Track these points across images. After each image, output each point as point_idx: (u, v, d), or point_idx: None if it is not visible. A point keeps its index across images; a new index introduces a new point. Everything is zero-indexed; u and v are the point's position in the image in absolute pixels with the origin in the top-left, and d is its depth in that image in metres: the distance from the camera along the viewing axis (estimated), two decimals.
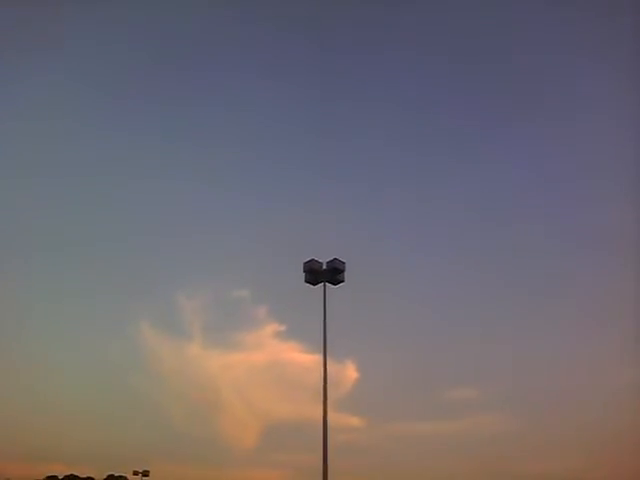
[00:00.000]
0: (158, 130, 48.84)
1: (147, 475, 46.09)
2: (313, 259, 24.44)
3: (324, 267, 24.29)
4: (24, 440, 32.65)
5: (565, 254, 42.24)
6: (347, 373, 36.75)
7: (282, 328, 39.69)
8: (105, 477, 53.88)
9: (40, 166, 45.46)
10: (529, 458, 32.74)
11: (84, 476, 53.76)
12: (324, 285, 24.13)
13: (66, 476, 53.07)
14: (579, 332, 38.13)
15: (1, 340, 36.95)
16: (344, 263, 24.35)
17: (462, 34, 48.48)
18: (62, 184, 46.52)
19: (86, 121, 47.10)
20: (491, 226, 44.59)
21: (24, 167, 44.74)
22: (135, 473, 46.38)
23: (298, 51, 51.09)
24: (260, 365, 39.43)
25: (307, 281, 24.36)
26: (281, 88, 49.84)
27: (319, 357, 23.27)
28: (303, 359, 37.19)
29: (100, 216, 45.19)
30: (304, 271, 24.42)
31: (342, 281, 24.34)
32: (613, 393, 33.03)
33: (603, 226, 40.41)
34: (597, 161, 44.28)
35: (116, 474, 52.95)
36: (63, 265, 41.93)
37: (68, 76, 46.48)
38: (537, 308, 39.38)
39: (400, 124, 49.78)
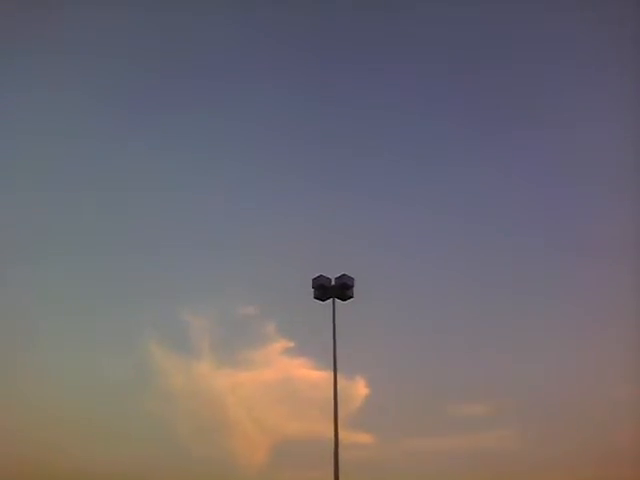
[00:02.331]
0: (163, 139, 48.79)
1: None
2: (322, 275, 24.38)
3: (333, 283, 24.23)
4: (25, 459, 32.38)
5: (571, 265, 41.93)
6: (357, 389, 36.45)
7: (291, 345, 39.46)
8: None
9: (40, 173, 45.42)
10: (541, 473, 32.36)
11: None
12: (333, 301, 24.02)
13: None
14: (588, 346, 37.74)
15: (2, 355, 36.72)
16: (353, 279, 24.27)
17: (462, 40, 48.51)
18: (64, 193, 46.36)
19: (87, 127, 47.08)
20: (502, 239, 44.37)
21: (23, 174, 44.70)
22: None
23: (301, 59, 51.12)
24: (269, 382, 39.11)
25: (316, 297, 24.25)
26: (288, 95, 49.85)
27: (329, 374, 23.09)
28: (313, 376, 36.90)
29: (105, 231, 45.06)
30: (313, 287, 24.34)
31: (351, 297, 24.23)
32: (625, 407, 32.62)
33: (607, 235, 40.11)
34: (597, 166, 44.12)
35: None
36: (65, 279, 41.73)
37: (68, 79, 46.57)
38: (546, 323, 39.07)
39: (405, 135, 49.66)
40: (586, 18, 43.42)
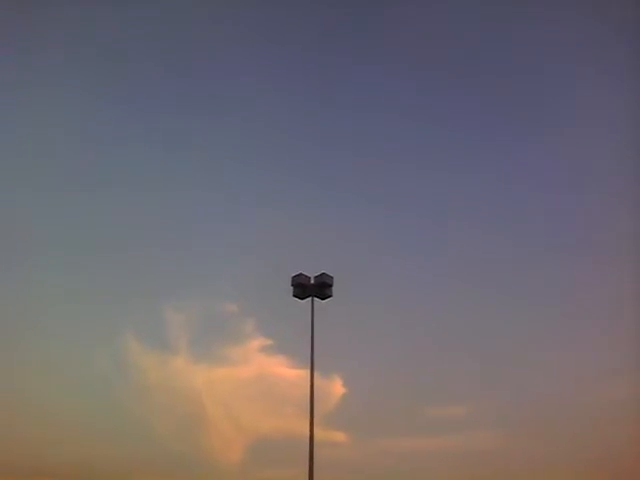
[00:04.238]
0: (148, 140, 48.48)
1: None
2: (301, 273, 24.42)
3: (312, 281, 24.29)
4: (4, 453, 32.00)
5: (563, 266, 42.10)
6: (334, 388, 36.46)
7: (269, 342, 39.35)
8: None
9: (24, 173, 44.86)
10: (520, 476, 32.55)
11: None
12: (312, 300, 24.09)
13: None
14: (574, 346, 37.99)
15: None
16: (332, 278, 24.37)
17: (461, 41, 48.58)
18: (47, 192, 45.85)
19: (85, 125, 46.70)
20: (487, 240, 44.46)
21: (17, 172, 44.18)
22: None
23: (299, 58, 50.96)
24: (246, 379, 38.99)
25: (295, 295, 24.29)
26: (278, 95, 49.69)
27: (306, 372, 23.15)
28: (290, 374, 36.83)
29: (85, 228, 44.63)
30: (292, 285, 24.38)
31: (330, 296, 24.32)
32: (610, 409, 32.91)
33: (604, 237, 40.35)
34: (598, 169, 44.34)
35: None
36: (45, 274, 41.27)
37: (67, 79, 46.19)
38: (529, 322, 39.26)
39: (398, 136, 49.59)
40: (586, 18, 43.50)
